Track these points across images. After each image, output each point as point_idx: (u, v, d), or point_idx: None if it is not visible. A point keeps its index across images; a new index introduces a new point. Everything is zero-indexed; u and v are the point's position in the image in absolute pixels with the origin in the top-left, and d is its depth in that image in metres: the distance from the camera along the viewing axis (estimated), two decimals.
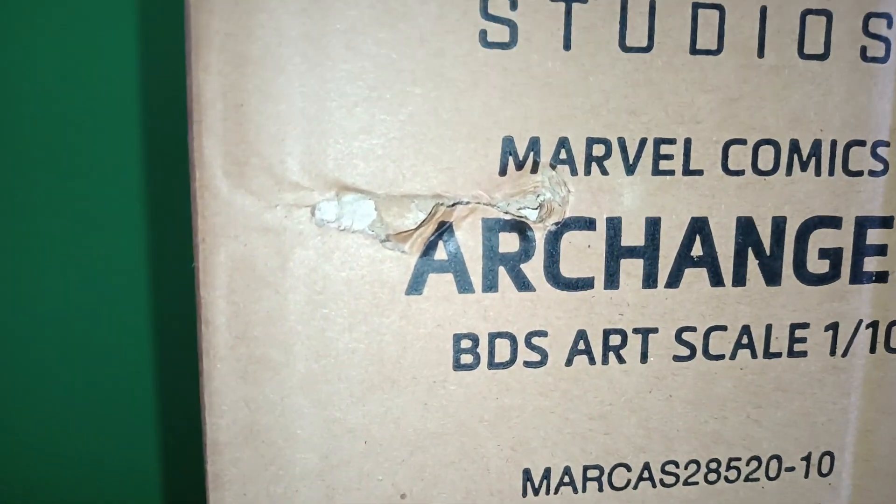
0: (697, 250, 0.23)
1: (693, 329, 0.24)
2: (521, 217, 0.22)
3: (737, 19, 0.22)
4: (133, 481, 0.53)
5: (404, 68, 0.21)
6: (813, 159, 0.23)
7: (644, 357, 0.24)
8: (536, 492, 0.24)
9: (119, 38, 0.47)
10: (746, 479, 0.26)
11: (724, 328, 0.24)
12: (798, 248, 0.24)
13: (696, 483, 0.25)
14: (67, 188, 0.48)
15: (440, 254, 0.22)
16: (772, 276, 0.24)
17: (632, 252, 0.23)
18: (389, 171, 0.21)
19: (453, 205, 0.22)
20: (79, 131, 0.47)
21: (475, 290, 0.23)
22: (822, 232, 0.24)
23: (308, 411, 0.22)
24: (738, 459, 0.25)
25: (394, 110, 0.21)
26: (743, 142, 0.23)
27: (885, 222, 0.24)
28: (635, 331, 0.24)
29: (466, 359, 0.23)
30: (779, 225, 0.24)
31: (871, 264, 0.25)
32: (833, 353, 0.25)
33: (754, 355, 0.25)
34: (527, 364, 0.23)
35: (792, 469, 0.26)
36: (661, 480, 0.25)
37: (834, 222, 0.24)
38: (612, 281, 0.23)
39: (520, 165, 0.22)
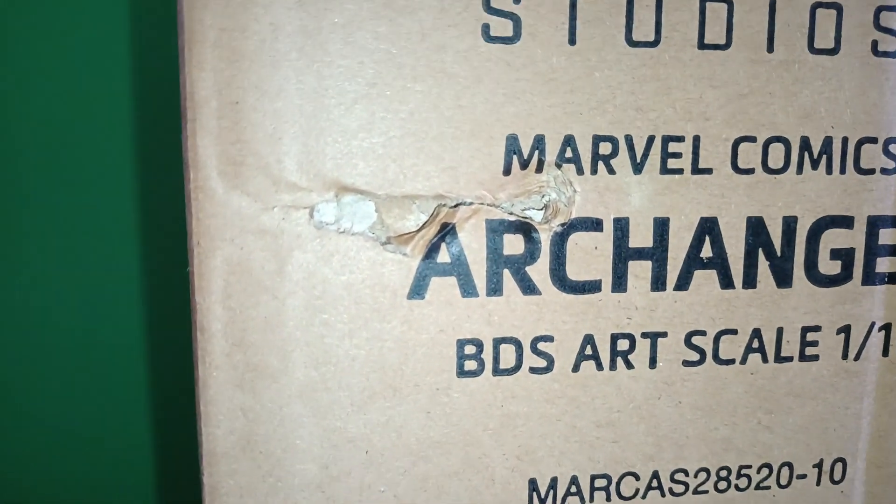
0: (707, 251, 0.23)
1: (703, 333, 0.23)
2: (526, 218, 0.22)
3: (745, 13, 0.22)
4: (128, 494, 0.52)
5: (405, 64, 0.20)
6: (824, 157, 0.23)
7: (653, 362, 0.23)
8: (543, 502, 0.24)
9: (110, 34, 0.46)
10: (757, 488, 0.25)
11: (734, 332, 0.24)
12: (809, 249, 0.23)
13: (706, 492, 0.25)
14: (57, 190, 0.47)
15: (443, 256, 0.21)
16: (783, 278, 0.23)
17: (640, 254, 0.22)
18: (390, 171, 0.21)
19: (456, 205, 0.21)
20: (69, 131, 0.47)
21: (479, 293, 0.22)
22: (834, 232, 0.23)
23: (307, 420, 0.22)
24: (749, 467, 0.25)
25: (394, 108, 0.20)
26: (753, 139, 0.22)
27: None
28: (644, 335, 0.23)
29: (470, 365, 0.22)
30: (790, 225, 0.23)
31: (883, 265, 0.24)
32: (845, 356, 0.24)
33: (765, 359, 0.24)
34: (532, 370, 0.23)
35: (804, 476, 0.25)
36: (671, 489, 0.25)
37: (846, 222, 0.23)
38: (619, 284, 0.23)
39: (524, 164, 0.21)
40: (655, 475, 0.24)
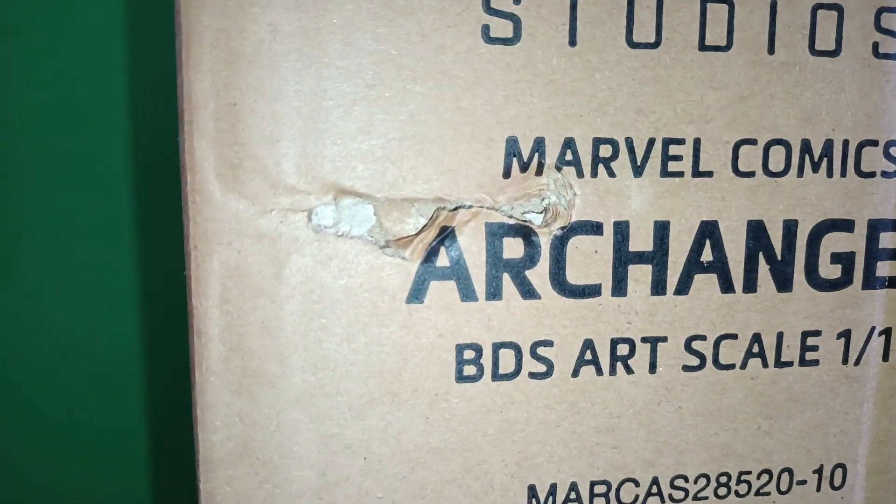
0: (707, 255, 0.23)
1: (703, 338, 0.23)
2: (526, 221, 0.21)
3: (746, 14, 0.21)
4: (124, 500, 0.51)
5: (404, 65, 0.20)
6: (825, 160, 0.23)
7: (653, 367, 0.23)
8: None
9: (107, 35, 0.46)
10: (757, 494, 0.25)
11: (734, 336, 0.23)
12: (810, 253, 0.23)
13: (706, 498, 0.25)
14: (53, 193, 0.47)
15: (442, 260, 0.21)
16: (783, 282, 0.23)
17: (640, 258, 0.22)
18: (389, 174, 0.20)
19: (455, 209, 0.21)
20: (64, 133, 0.46)
21: (478, 297, 0.22)
22: (835, 235, 0.23)
23: (305, 426, 0.21)
24: (749, 473, 0.25)
25: (393, 110, 0.20)
26: (753, 142, 0.22)
27: None
28: (644, 340, 0.23)
29: (469, 370, 0.22)
30: (790, 228, 0.23)
31: (883, 269, 0.24)
32: (845, 361, 0.24)
33: (765, 364, 0.24)
34: (532, 375, 0.22)
35: (804, 482, 0.25)
36: (671, 496, 0.24)
37: (846, 225, 0.23)
38: (619, 288, 0.22)
39: (524, 167, 0.21)
40: (655, 481, 0.24)
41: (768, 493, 0.25)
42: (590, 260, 0.22)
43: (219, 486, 0.21)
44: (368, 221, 0.21)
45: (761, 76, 0.22)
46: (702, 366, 0.23)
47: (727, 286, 0.23)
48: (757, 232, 0.23)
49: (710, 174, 0.22)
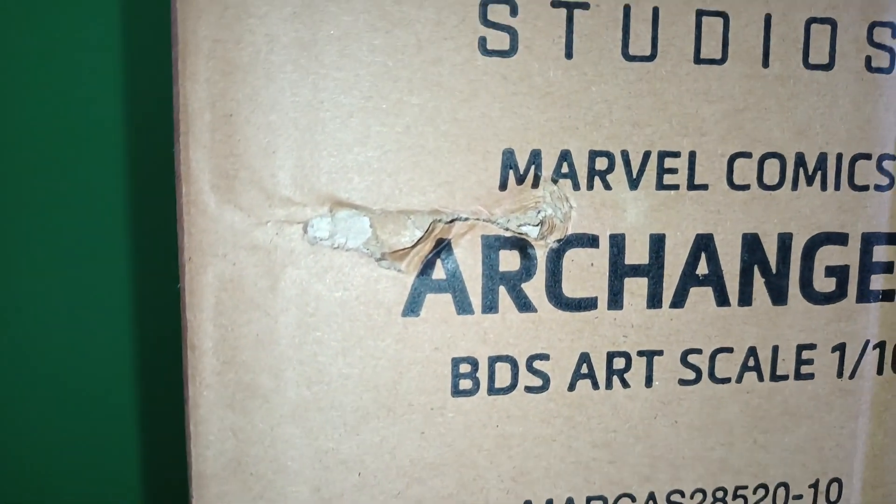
0: (703, 268, 0.23)
1: (699, 351, 0.23)
2: (522, 234, 0.21)
3: (741, 27, 0.22)
4: None
5: (401, 77, 0.20)
6: (819, 173, 0.23)
7: (649, 381, 0.23)
8: None
9: (102, 46, 0.46)
10: None
11: (730, 350, 0.23)
12: (804, 266, 0.23)
13: None
14: (48, 203, 0.47)
15: (438, 273, 0.21)
16: (778, 296, 0.23)
17: (636, 271, 0.22)
18: (385, 186, 0.20)
19: (451, 221, 0.21)
20: (58, 144, 0.46)
21: (474, 311, 0.21)
22: (829, 249, 0.23)
23: (299, 441, 0.21)
24: (745, 487, 0.25)
25: (390, 121, 0.20)
26: (748, 155, 0.22)
27: (891, 238, 0.24)
28: (640, 353, 0.23)
29: (465, 384, 0.22)
30: (785, 242, 0.23)
31: (877, 282, 0.24)
32: (840, 374, 0.24)
33: (761, 378, 0.24)
34: (528, 389, 0.22)
35: (800, 497, 0.25)
36: None
37: (840, 238, 0.23)
38: (615, 301, 0.22)
39: (520, 179, 0.21)
40: (652, 496, 0.24)
41: None
42: (586, 273, 0.22)
43: (211, 502, 0.21)
44: (364, 234, 0.20)
45: (756, 89, 0.22)
46: (697, 379, 0.23)
47: (722, 299, 0.23)
48: (752, 245, 0.23)
49: (705, 187, 0.22)
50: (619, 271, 0.22)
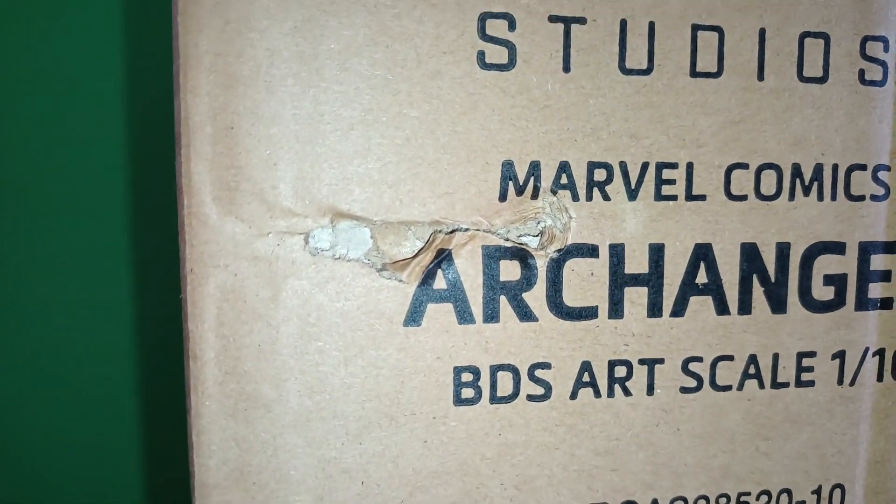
0: (702, 278, 0.23)
1: (700, 359, 0.23)
2: (522, 244, 0.22)
3: (736, 41, 0.22)
4: None
5: (401, 90, 0.20)
6: (815, 184, 0.23)
7: (650, 389, 0.23)
8: None
9: (104, 59, 0.46)
10: None
11: (730, 358, 0.24)
12: (803, 275, 0.23)
13: None
14: (48, 214, 0.47)
15: (439, 283, 0.21)
16: (777, 304, 0.23)
17: (636, 280, 0.22)
18: (386, 197, 0.21)
19: (452, 232, 0.21)
20: (61, 156, 0.46)
21: (476, 320, 0.22)
22: (827, 258, 0.24)
23: (301, 451, 0.21)
24: (748, 494, 0.25)
25: (390, 133, 0.20)
26: (745, 166, 0.22)
27: (888, 247, 0.24)
28: (641, 361, 0.23)
29: (467, 393, 0.22)
30: (783, 251, 0.23)
31: (875, 291, 0.24)
32: (840, 381, 0.24)
33: (762, 385, 0.24)
34: (530, 398, 0.22)
35: (803, 503, 0.25)
36: None
37: (838, 248, 0.24)
38: (616, 310, 0.23)
39: (520, 191, 0.21)
40: None
41: None
42: (586, 282, 0.22)
43: None
44: (365, 244, 0.21)
45: (751, 102, 0.22)
46: (699, 387, 0.23)
47: (722, 308, 0.23)
48: (750, 254, 0.23)
49: (703, 198, 0.22)
50: (619, 280, 0.22)
